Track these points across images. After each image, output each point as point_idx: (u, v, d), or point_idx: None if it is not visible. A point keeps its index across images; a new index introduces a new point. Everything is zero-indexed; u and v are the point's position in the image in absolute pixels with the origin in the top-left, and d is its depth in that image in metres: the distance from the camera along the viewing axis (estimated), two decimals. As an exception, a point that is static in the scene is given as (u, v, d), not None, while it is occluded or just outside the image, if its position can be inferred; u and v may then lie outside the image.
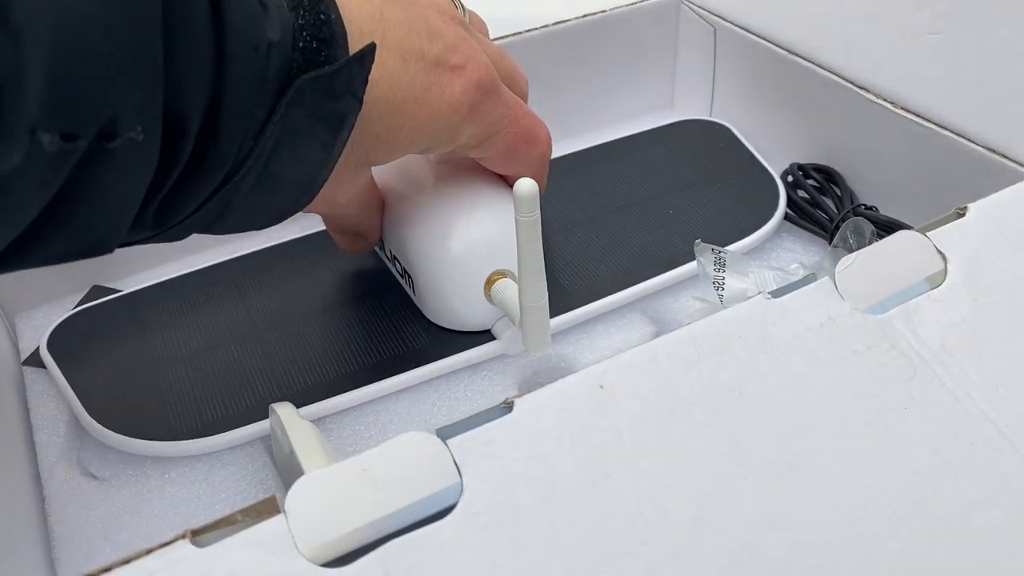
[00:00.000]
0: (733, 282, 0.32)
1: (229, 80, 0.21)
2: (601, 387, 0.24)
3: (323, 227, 0.37)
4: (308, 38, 0.23)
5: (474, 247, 0.32)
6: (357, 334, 0.34)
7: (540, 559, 0.21)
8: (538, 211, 0.27)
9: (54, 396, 0.34)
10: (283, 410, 0.28)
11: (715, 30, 0.46)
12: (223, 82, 0.21)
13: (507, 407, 0.23)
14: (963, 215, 0.29)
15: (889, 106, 0.37)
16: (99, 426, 0.31)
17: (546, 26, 0.46)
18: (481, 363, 0.34)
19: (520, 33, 0.46)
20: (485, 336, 0.34)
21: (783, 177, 0.42)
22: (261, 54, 0.21)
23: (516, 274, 0.30)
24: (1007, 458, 0.24)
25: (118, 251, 0.28)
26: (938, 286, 0.27)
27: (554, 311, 0.33)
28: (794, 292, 0.27)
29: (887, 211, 0.38)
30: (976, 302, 0.27)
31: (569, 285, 0.36)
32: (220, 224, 0.24)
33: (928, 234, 0.28)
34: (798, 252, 0.39)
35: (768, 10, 0.43)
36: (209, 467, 0.31)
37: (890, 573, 0.22)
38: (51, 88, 0.17)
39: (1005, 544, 0.23)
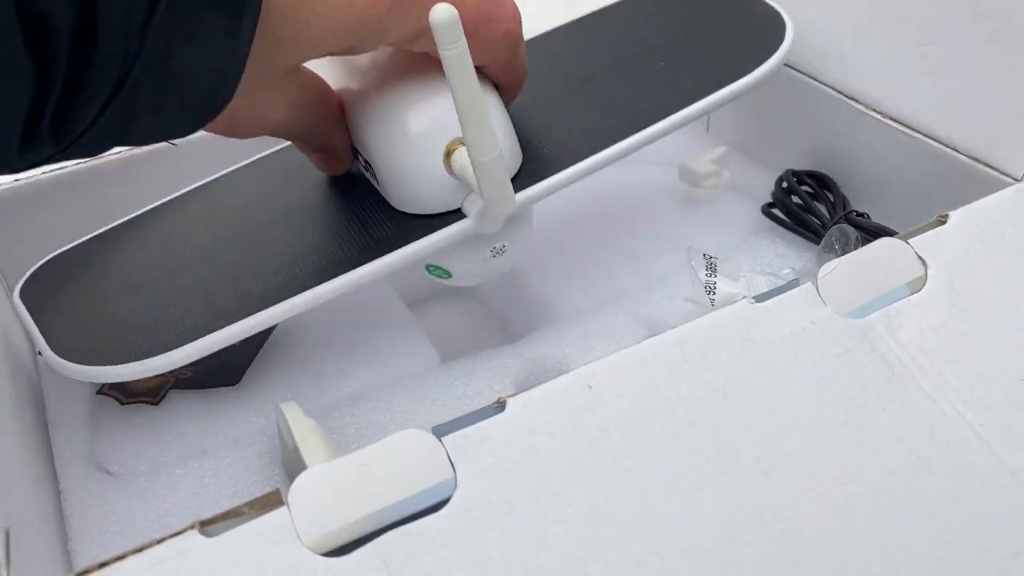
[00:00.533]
0: (724, 286, 0.33)
1: None
2: (590, 388, 0.25)
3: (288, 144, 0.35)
4: None
5: (426, 117, 0.29)
6: (322, 233, 0.32)
7: (530, 550, 0.22)
8: (463, 41, 0.24)
9: (68, 394, 0.35)
10: (288, 411, 0.29)
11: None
12: None
13: (500, 406, 0.24)
14: (944, 222, 0.30)
15: (878, 116, 0.38)
16: (61, 360, 0.30)
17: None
18: (477, 364, 0.35)
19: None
20: (456, 216, 0.31)
21: (778, 183, 0.43)
22: None
23: None
24: (982, 458, 0.25)
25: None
26: (918, 291, 0.28)
27: (539, 175, 0.31)
28: (778, 297, 0.28)
29: (878, 217, 0.39)
30: (955, 306, 0.28)
31: (550, 151, 0.33)
32: (131, 133, 0.23)
33: (909, 241, 0.29)
34: (791, 258, 0.40)
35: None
36: (217, 463, 0.32)
37: (869, 566, 0.23)
38: None
39: (980, 540, 0.24)
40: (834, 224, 0.38)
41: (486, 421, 0.24)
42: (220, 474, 0.32)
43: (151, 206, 0.36)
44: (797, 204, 0.41)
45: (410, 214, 0.31)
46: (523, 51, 0.31)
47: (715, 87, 0.33)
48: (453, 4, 0.24)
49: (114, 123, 0.22)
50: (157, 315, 0.31)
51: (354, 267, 0.30)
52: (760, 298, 0.27)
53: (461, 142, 0.29)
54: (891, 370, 0.27)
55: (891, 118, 0.38)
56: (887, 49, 0.38)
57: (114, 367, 0.29)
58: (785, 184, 0.42)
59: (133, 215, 0.36)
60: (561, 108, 0.35)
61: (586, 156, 0.32)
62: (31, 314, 0.32)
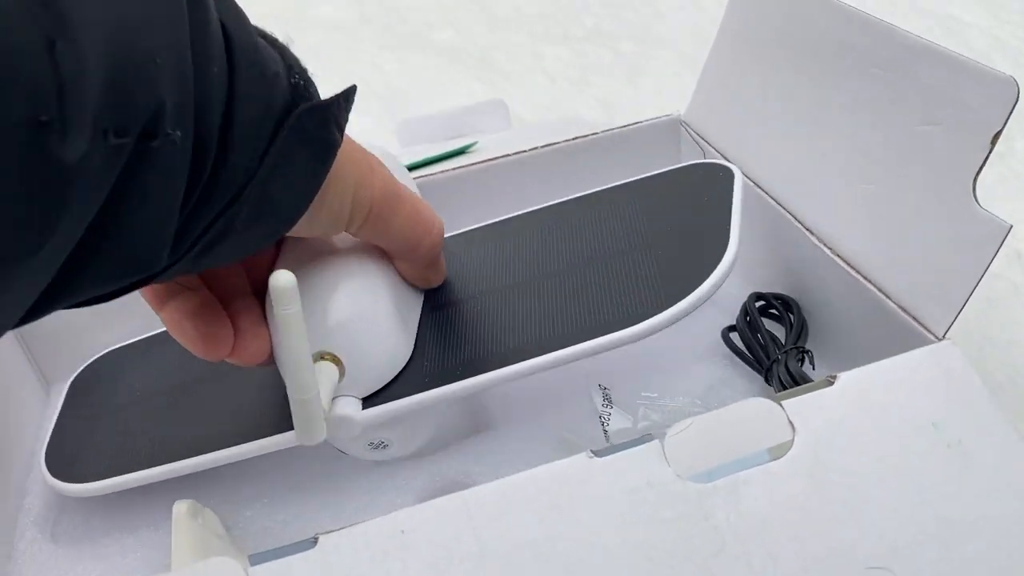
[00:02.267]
0: (617, 420, 0.33)
1: (239, 99, 0.23)
2: (403, 532, 0.26)
3: None
4: (297, 76, 0.25)
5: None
6: (235, 410, 0.36)
7: None
8: (298, 304, 0.27)
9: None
10: (177, 507, 0.32)
11: (704, 154, 0.47)
12: (234, 100, 0.23)
13: (313, 541, 0.26)
14: (832, 383, 0.29)
15: (827, 251, 0.37)
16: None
17: (550, 145, 0.49)
18: (388, 476, 0.36)
19: (534, 149, 0.48)
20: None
21: (743, 306, 0.42)
22: (268, 80, 0.24)
23: (339, 357, 0.31)
24: (792, 648, 0.24)
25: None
26: (779, 458, 0.28)
27: (415, 389, 0.32)
28: (621, 452, 0.28)
29: (826, 354, 0.38)
30: (812, 478, 0.27)
31: (434, 367, 0.33)
32: (219, 251, 0.25)
33: (786, 402, 0.29)
34: (736, 388, 0.39)
35: (741, 143, 0.44)
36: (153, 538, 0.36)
37: None
38: (108, 85, 0.19)
39: None
40: (775, 359, 0.37)
41: (296, 555, 0.26)
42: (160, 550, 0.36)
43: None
44: (753, 327, 0.40)
45: None
46: (441, 260, 0.35)
47: (630, 323, 0.32)
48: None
49: (213, 238, 0.25)
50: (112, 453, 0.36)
51: (256, 439, 0.34)
52: (601, 452, 0.28)
53: (321, 356, 0.31)
54: (722, 542, 0.26)
55: (837, 254, 0.36)
56: (838, 180, 0.37)
57: (70, 484, 0.35)
58: (747, 308, 0.41)
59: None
60: (473, 318, 0.35)
61: (471, 376, 0.32)
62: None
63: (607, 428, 0.33)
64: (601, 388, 0.34)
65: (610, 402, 0.33)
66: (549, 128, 0.81)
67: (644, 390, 0.37)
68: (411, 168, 0.66)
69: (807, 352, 0.37)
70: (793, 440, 0.28)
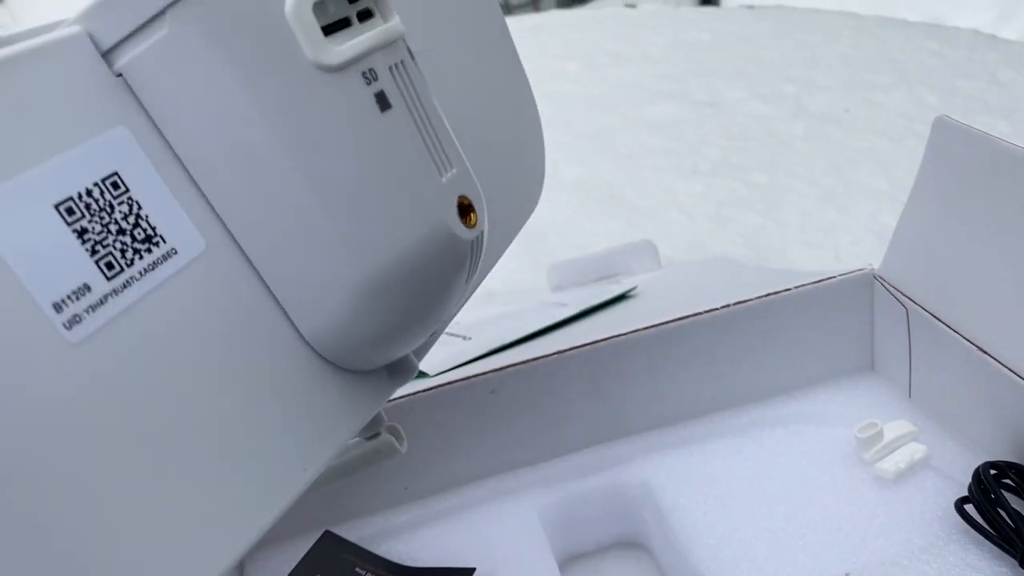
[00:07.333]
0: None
1: None
2: None
3: None
4: None
5: None
6: None
7: None
8: None
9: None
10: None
11: (907, 311, 0.46)
12: None
13: None
14: None
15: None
16: None
17: (740, 302, 0.48)
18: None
19: (722, 307, 0.48)
20: None
21: (975, 475, 0.40)
22: None
23: None
24: None
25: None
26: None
27: None
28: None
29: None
30: None
31: None
32: None
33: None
34: (984, 573, 0.36)
35: (961, 301, 0.43)
36: None
37: None
38: None
39: None
40: (1031, 541, 0.35)
41: None
42: None
43: None
44: (993, 500, 0.38)
45: None
46: None
47: None
48: None
49: None
50: None
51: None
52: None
53: None
54: None
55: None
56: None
57: None
58: (982, 478, 0.39)
59: None
60: None
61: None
62: None
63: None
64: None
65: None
66: (701, 268, 0.82)
67: None
68: (576, 318, 0.67)
69: (1067, 533, 0.35)
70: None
